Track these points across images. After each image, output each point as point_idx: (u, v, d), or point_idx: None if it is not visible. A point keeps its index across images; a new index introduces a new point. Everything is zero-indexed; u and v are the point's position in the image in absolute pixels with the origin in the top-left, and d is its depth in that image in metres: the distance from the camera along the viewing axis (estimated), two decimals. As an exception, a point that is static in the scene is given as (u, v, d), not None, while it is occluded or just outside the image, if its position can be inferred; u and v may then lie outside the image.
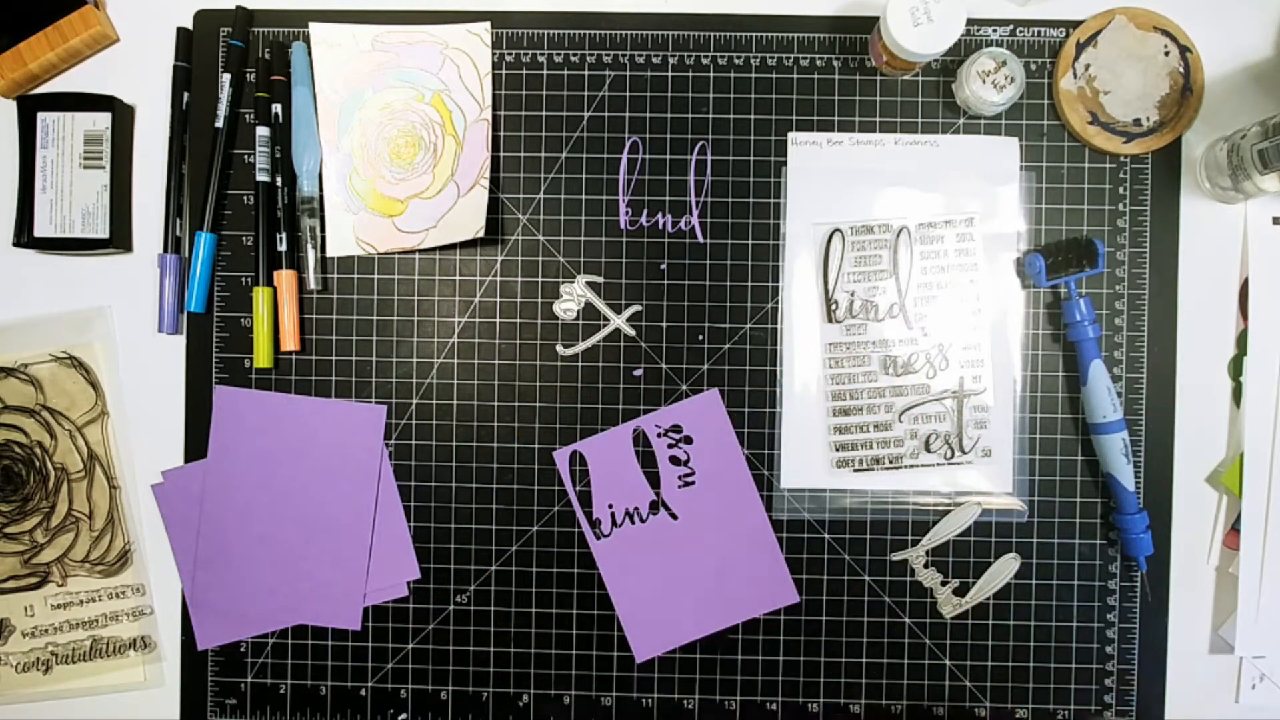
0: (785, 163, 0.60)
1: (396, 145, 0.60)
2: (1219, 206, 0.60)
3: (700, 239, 0.60)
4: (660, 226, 0.60)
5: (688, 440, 0.60)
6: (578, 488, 0.60)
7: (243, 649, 0.61)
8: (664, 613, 0.60)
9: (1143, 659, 0.59)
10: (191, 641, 0.61)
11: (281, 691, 0.61)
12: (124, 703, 0.62)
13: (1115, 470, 0.57)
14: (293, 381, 0.61)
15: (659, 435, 0.60)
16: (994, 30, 0.60)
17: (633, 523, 0.60)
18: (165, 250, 0.61)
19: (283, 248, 0.60)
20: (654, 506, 0.60)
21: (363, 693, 0.61)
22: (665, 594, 0.60)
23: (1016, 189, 0.59)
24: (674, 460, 0.60)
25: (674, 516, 0.60)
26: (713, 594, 0.60)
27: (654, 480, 0.60)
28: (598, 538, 0.60)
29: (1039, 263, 0.57)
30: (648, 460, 0.60)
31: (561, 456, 0.60)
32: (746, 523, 0.60)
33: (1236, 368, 0.60)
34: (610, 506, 0.60)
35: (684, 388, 0.60)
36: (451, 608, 0.61)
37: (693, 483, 0.60)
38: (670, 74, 0.60)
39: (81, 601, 0.62)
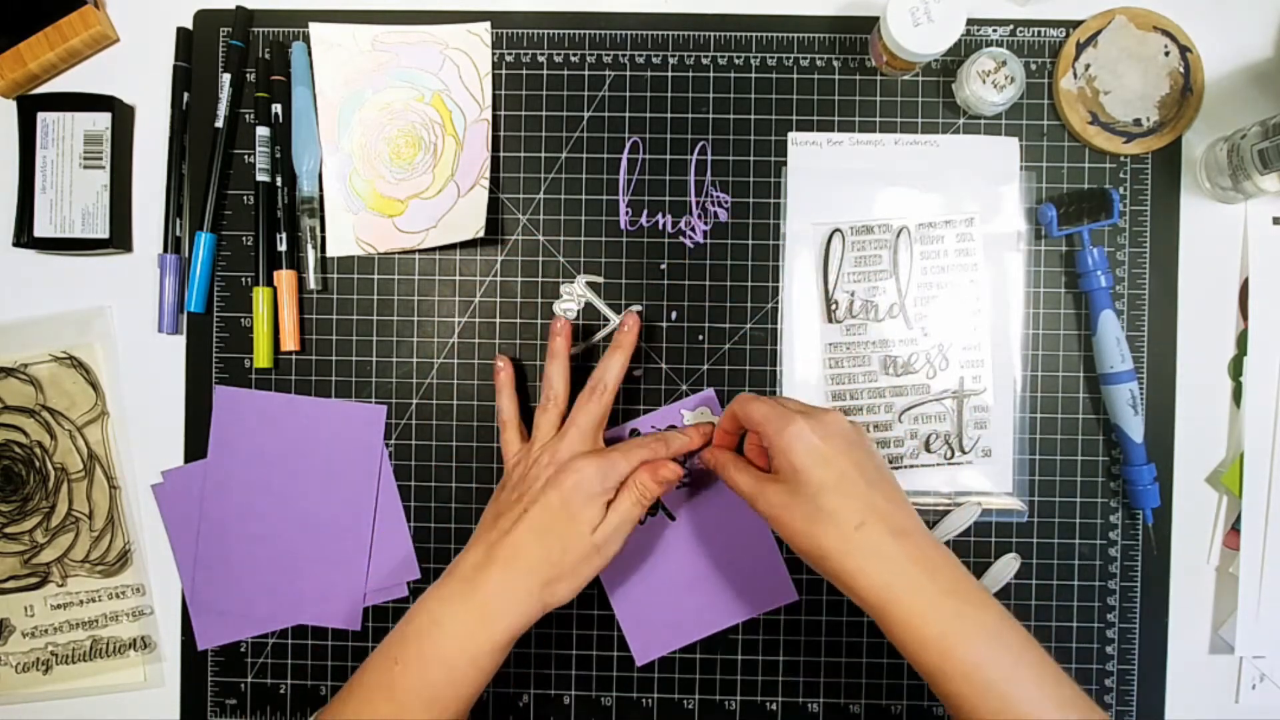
0: (785, 163, 0.60)
1: (396, 145, 0.60)
2: (1219, 206, 0.60)
3: (700, 239, 0.60)
4: (660, 226, 0.60)
5: None
6: None
7: (243, 649, 0.61)
8: (663, 614, 0.60)
9: (1143, 659, 0.59)
10: (191, 641, 0.61)
11: (281, 691, 0.61)
12: (124, 703, 0.62)
13: (1122, 422, 0.57)
14: (293, 381, 0.61)
15: None
16: (994, 30, 0.60)
17: None
18: (165, 250, 0.61)
19: (283, 248, 0.60)
20: (651, 508, 0.60)
21: (363, 693, 0.61)
22: (664, 595, 0.60)
23: (1016, 189, 0.59)
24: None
25: (672, 517, 0.60)
26: (712, 594, 0.60)
27: None
28: None
29: (1050, 212, 0.57)
30: None
31: None
32: (745, 522, 0.60)
33: (1236, 368, 0.60)
34: None
35: (684, 388, 0.60)
36: (451, 608, 0.61)
37: (690, 483, 0.60)
38: (670, 74, 0.60)
39: (81, 601, 0.62)
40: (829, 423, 0.48)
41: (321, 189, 0.61)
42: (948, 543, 0.59)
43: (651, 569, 0.60)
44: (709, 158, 0.60)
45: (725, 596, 0.60)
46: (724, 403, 0.60)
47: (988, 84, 0.57)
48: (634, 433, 0.60)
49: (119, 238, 0.61)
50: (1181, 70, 0.58)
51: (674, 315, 0.60)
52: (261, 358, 0.60)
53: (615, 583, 0.60)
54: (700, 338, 0.60)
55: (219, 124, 0.60)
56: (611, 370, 0.55)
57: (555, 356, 0.57)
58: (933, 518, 0.60)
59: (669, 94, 0.60)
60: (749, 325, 0.60)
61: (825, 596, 0.60)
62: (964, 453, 0.59)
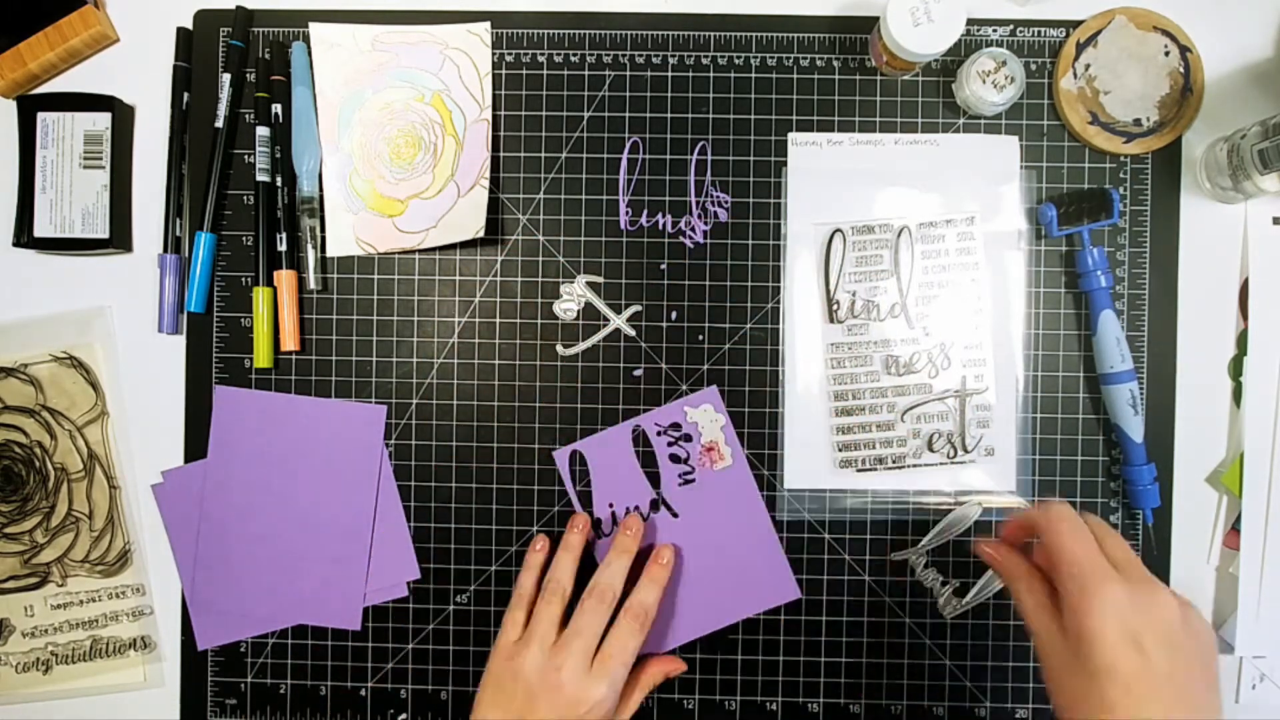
0: (785, 163, 0.60)
1: (396, 145, 0.60)
2: (1219, 206, 0.60)
3: (700, 239, 0.60)
4: (660, 226, 0.60)
5: (686, 438, 0.60)
6: (578, 488, 0.60)
7: (243, 649, 0.61)
8: (666, 610, 0.60)
9: (1143, 659, 0.59)
10: (191, 641, 0.61)
11: (281, 691, 0.61)
12: (124, 703, 0.62)
13: (1122, 421, 0.57)
14: (293, 381, 0.61)
15: (658, 434, 0.60)
16: (994, 30, 0.60)
17: None
18: (165, 250, 0.61)
19: (283, 248, 0.60)
20: (654, 505, 0.60)
21: (363, 693, 0.61)
22: (667, 592, 0.60)
23: (1017, 188, 0.59)
24: (674, 458, 0.60)
25: (674, 514, 0.60)
26: (714, 591, 0.60)
27: (654, 479, 0.60)
28: (598, 537, 0.60)
29: (1050, 212, 0.57)
30: (648, 461, 0.60)
31: (561, 457, 0.60)
32: (747, 518, 0.60)
33: (1236, 368, 0.60)
34: (611, 506, 0.60)
35: (684, 387, 0.60)
36: (451, 608, 0.61)
37: (693, 480, 0.60)
38: (670, 74, 0.60)
39: (81, 601, 0.62)
40: (1154, 604, 0.40)
41: (321, 189, 0.61)
42: (948, 543, 0.60)
43: None
44: (709, 158, 0.60)
45: (727, 594, 0.60)
46: (726, 400, 0.60)
47: (988, 84, 0.57)
48: (637, 431, 0.60)
49: (119, 238, 0.61)
50: (1181, 70, 0.58)
51: (674, 315, 0.60)
52: (261, 358, 0.60)
53: None
54: (700, 338, 0.60)
55: (219, 124, 0.60)
56: (617, 576, 0.55)
57: (569, 550, 0.57)
58: (934, 517, 0.60)
59: (669, 94, 0.60)
60: (749, 325, 0.60)
61: (825, 596, 0.60)
62: (966, 452, 0.59)
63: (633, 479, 0.60)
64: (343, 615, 0.61)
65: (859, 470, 0.60)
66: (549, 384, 0.60)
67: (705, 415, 0.59)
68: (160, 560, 0.62)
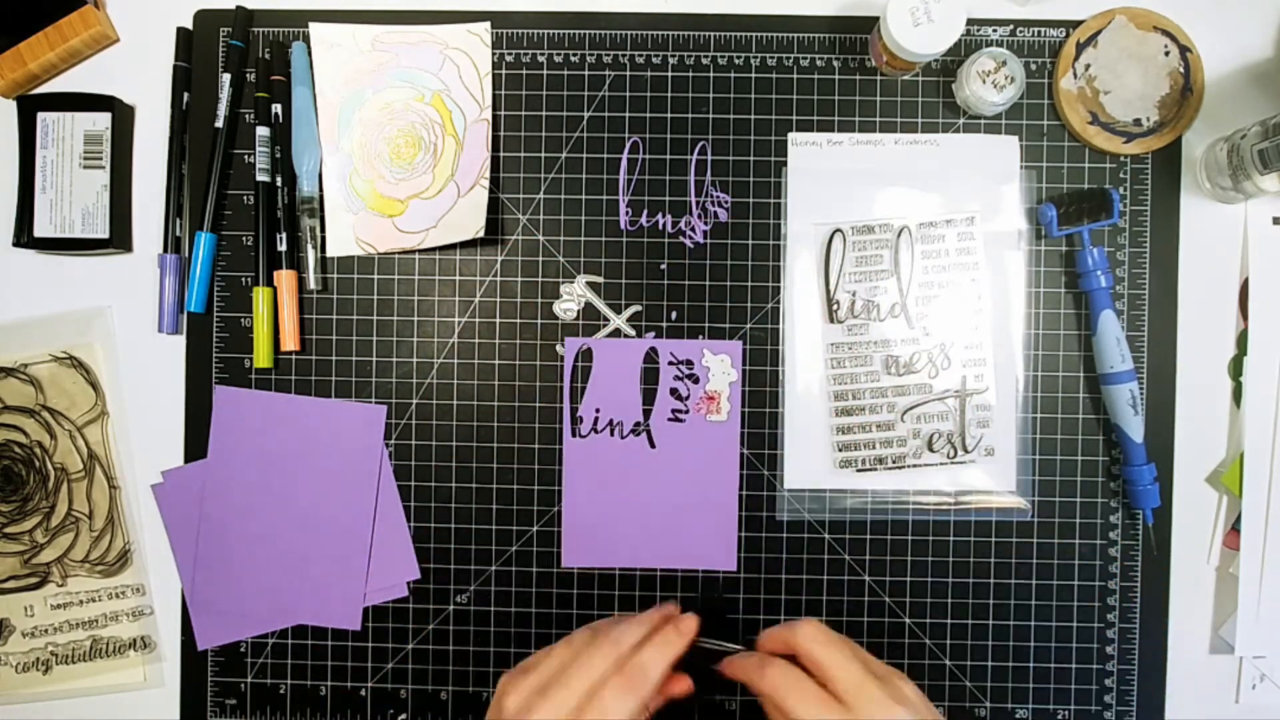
0: (785, 163, 0.60)
1: (396, 145, 0.60)
2: (1219, 206, 0.60)
3: (700, 239, 0.60)
4: (660, 226, 0.60)
5: (694, 379, 0.60)
6: (575, 384, 0.60)
7: (243, 649, 0.61)
8: (606, 531, 0.60)
9: (1143, 659, 0.59)
10: (191, 641, 0.61)
11: (281, 691, 0.61)
12: (124, 703, 0.62)
13: (1122, 422, 0.57)
14: (293, 381, 0.61)
15: (669, 363, 0.60)
16: (994, 30, 0.60)
17: (611, 435, 0.60)
18: (165, 250, 0.61)
19: (283, 248, 0.60)
20: (637, 428, 0.60)
21: (363, 693, 0.61)
22: (614, 514, 0.60)
23: (1017, 188, 0.59)
24: (674, 393, 0.60)
25: (653, 445, 0.60)
26: (659, 531, 0.60)
27: (648, 400, 0.60)
28: (574, 435, 0.60)
29: (1050, 212, 0.57)
30: (650, 385, 0.60)
31: (571, 347, 0.60)
32: (718, 477, 0.60)
33: (1236, 368, 0.60)
34: (597, 411, 0.60)
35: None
36: (451, 608, 0.61)
37: (683, 420, 0.60)
38: (670, 74, 0.60)
39: (81, 601, 0.62)
40: (924, 701, 0.46)
41: (321, 189, 0.61)
42: (947, 542, 0.60)
43: (611, 485, 0.60)
44: (709, 158, 0.60)
45: (669, 538, 0.60)
46: (746, 360, 0.60)
47: (988, 84, 0.57)
48: (651, 352, 0.60)
49: (119, 238, 0.61)
50: (1181, 70, 0.58)
51: (674, 315, 0.60)
52: (261, 358, 0.60)
53: (573, 484, 0.60)
54: (700, 338, 0.60)
55: (219, 124, 0.60)
56: (658, 665, 0.47)
57: (671, 645, 0.49)
58: (934, 516, 0.60)
59: (669, 94, 0.60)
60: (749, 325, 0.60)
61: (825, 596, 0.60)
62: (966, 452, 0.59)
63: (628, 395, 0.60)
64: (343, 615, 0.61)
65: (859, 470, 0.60)
66: (549, 384, 0.60)
67: (720, 364, 0.59)
68: (160, 560, 0.62)
